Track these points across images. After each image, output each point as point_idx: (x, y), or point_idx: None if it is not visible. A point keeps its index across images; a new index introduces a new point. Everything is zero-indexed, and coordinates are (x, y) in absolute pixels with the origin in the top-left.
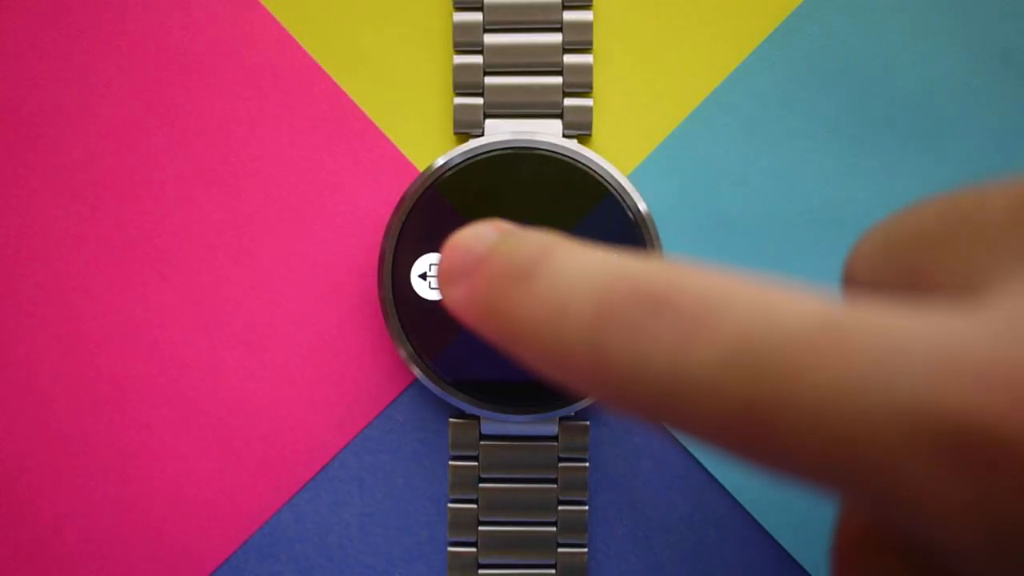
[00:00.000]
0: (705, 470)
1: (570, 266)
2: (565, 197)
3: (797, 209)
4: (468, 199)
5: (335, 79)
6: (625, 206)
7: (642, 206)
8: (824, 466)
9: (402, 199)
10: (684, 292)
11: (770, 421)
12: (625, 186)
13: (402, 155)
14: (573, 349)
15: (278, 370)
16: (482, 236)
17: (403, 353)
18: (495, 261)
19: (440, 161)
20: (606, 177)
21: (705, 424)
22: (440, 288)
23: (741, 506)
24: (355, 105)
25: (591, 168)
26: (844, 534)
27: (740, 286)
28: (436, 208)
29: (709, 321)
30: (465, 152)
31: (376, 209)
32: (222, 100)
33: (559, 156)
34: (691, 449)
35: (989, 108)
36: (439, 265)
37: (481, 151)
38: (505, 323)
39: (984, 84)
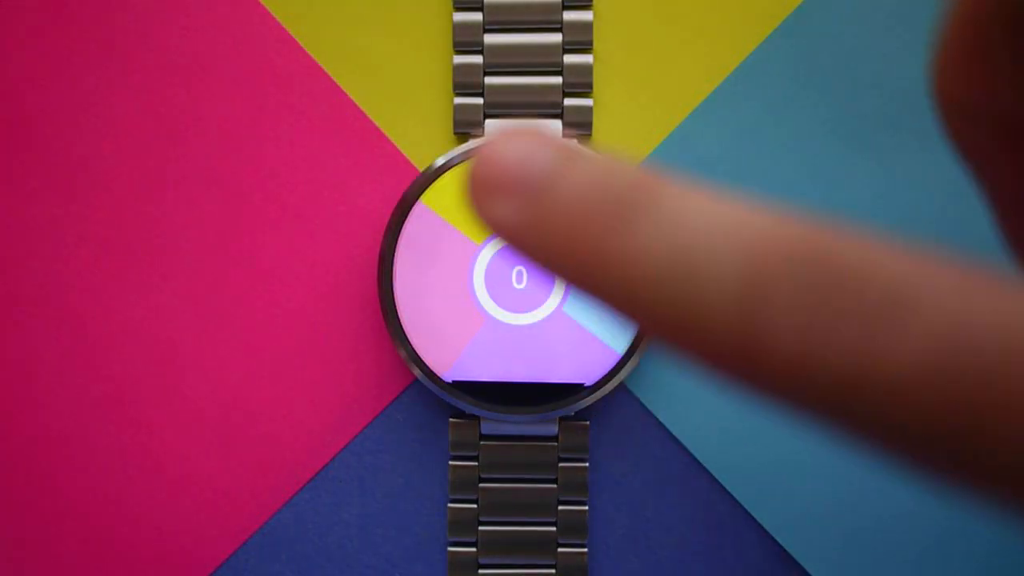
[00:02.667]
0: (705, 470)
1: (695, 206)
2: None
3: (797, 209)
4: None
5: (335, 79)
6: None
7: None
8: None
9: (402, 199)
10: (873, 265)
11: (988, 438)
12: None
13: (402, 155)
14: (710, 317)
15: (278, 370)
16: (543, 147)
17: (403, 353)
18: (575, 181)
19: (440, 161)
20: None
21: (892, 434)
22: (477, 200)
23: (741, 506)
24: (355, 105)
25: None
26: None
27: (939, 268)
28: (447, 197)
29: (913, 306)
30: (465, 152)
31: (376, 209)
32: (222, 100)
33: None
34: (691, 449)
35: None
36: (473, 171)
37: None
38: (593, 262)
39: None
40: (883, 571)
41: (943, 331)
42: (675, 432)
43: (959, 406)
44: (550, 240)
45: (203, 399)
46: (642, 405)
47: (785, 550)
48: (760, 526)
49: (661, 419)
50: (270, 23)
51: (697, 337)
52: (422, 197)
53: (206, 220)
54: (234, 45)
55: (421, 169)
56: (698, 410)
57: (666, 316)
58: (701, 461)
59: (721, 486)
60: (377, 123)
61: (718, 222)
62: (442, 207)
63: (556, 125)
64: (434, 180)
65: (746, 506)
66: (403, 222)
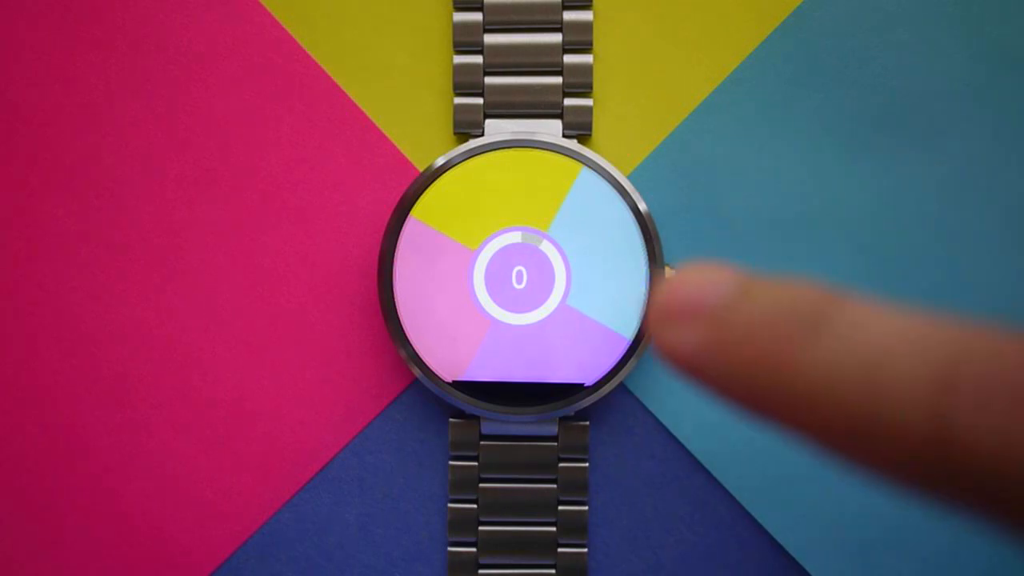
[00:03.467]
0: (705, 470)
1: (875, 318)
2: (567, 193)
3: (797, 209)
4: (467, 198)
5: (335, 79)
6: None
7: (642, 206)
8: None
9: (402, 199)
10: None
11: None
12: (625, 186)
13: (402, 155)
14: (900, 423)
15: (278, 370)
16: (724, 276)
17: (403, 353)
18: (756, 303)
19: (440, 161)
20: (606, 177)
21: None
22: (658, 328)
23: (741, 506)
24: (355, 105)
25: (592, 165)
26: None
27: None
28: (446, 197)
29: None
30: (465, 152)
31: (376, 209)
32: (222, 100)
33: (557, 152)
34: (691, 449)
35: (989, 108)
36: (656, 302)
37: (481, 150)
38: (785, 379)
39: (984, 84)
40: (883, 570)
41: None
42: (675, 432)
43: None
44: (732, 360)
45: (203, 399)
46: (642, 405)
47: (785, 550)
48: (760, 526)
49: (661, 419)
50: (270, 23)
51: (886, 444)
52: (412, 211)
53: (206, 220)
54: (234, 45)
55: (421, 169)
56: (698, 410)
57: (852, 426)
58: (701, 461)
59: (721, 486)
60: (377, 123)
61: (902, 332)
62: (433, 218)
63: (556, 125)
64: (422, 193)
65: (746, 506)
66: (403, 222)
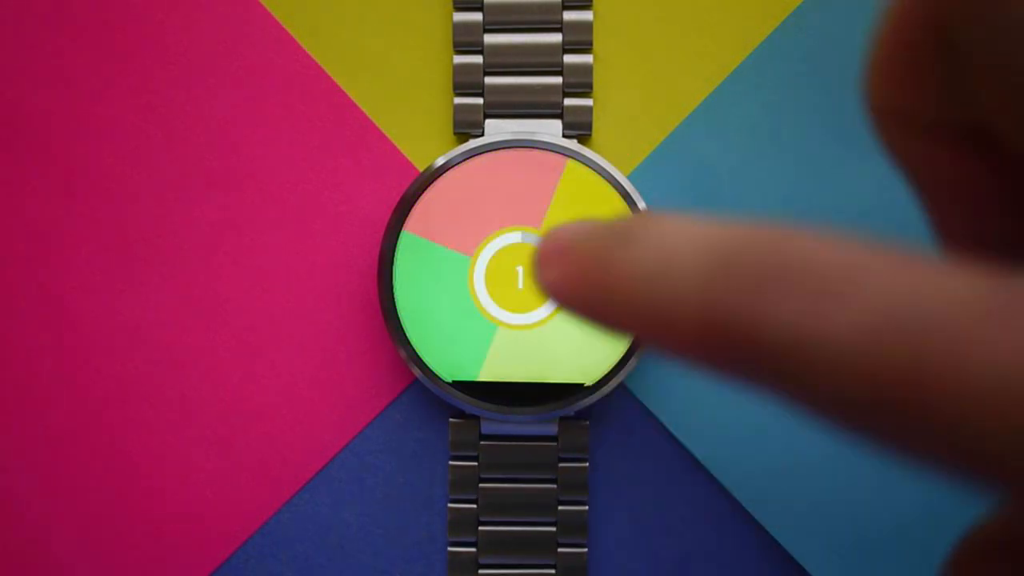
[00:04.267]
0: (705, 470)
1: (677, 227)
2: (568, 193)
3: (797, 209)
4: (461, 202)
5: (335, 79)
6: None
7: (642, 206)
8: (983, 452)
9: (402, 199)
10: (815, 255)
11: (924, 401)
12: (625, 186)
13: (402, 155)
14: (680, 308)
15: (278, 370)
16: (580, 224)
17: (403, 353)
18: (595, 236)
19: (440, 161)
20: (596, 169)
21: (833, 398)
22: (535, 274)
23: (741, 506)
24: (355, 105)
25: (594, 167)
26: (971, 543)
27: (877, 253)
28: (436, 208)
29: (849, 284)
30: (465, 152)
31: (376, 209)
32: (222, 100)
33: (548, 150)
34: (691, 449)
35: None
36: (535, 254)
37: (481, 150)
38: (600, 289)
39: None
40: (883, 570)
41: (878, 305)
42: (675, 432)
43: (893, 372)
44: (572, 279)
45: (203, 399)
46: (642, 405)
47: (785, 550)
48: (760, 526)
49: (661, 419)
50: (270, 23)
51: (670, 328)
52: (404, 227)
53: (206, 220)
54: (234, 45)
55: (421, 169)
56: (698, 410)
57: (649, 315)
58: (701, 461)
59: (721, 486)
60: (377, 123)
61: (690, 235)
62: (427, 231)
63: (556, 125)
64: (419, 196)
65: (746, 506)
66: (403, 223)
